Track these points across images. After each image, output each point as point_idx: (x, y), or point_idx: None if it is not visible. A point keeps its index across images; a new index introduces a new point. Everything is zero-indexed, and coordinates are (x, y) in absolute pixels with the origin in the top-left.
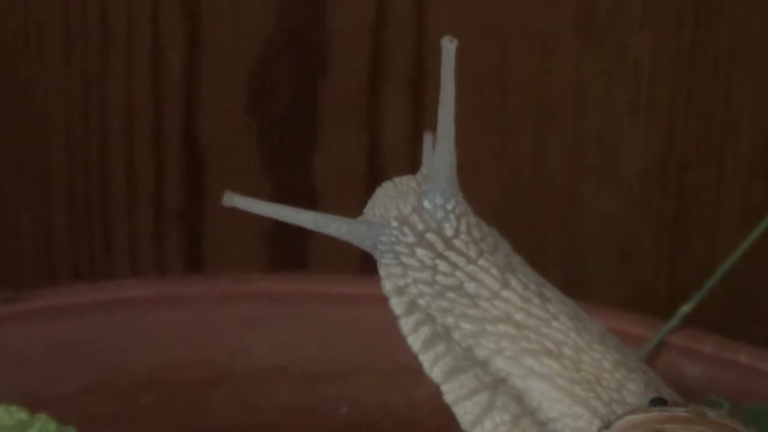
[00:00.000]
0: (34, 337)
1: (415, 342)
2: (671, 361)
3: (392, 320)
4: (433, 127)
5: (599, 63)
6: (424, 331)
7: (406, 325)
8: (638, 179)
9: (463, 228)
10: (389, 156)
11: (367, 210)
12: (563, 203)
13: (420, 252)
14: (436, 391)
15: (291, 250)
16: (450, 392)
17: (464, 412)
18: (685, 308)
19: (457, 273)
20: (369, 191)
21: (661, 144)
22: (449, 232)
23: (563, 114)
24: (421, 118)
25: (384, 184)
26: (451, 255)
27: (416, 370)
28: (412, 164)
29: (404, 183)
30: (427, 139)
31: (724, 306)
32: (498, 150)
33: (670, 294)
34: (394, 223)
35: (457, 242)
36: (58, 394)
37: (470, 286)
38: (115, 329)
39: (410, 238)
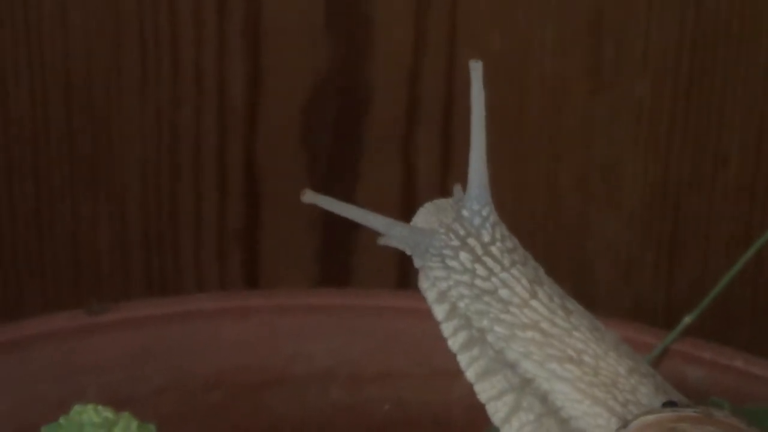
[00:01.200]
0: (115, 344)
1: (454, 344)
2: (675, 366)
3: (429, 330)
4: (461, 162)
5: (605, 103)
6: (462, 335)
7: (446, 329)
8: (639, 205)
9: (497, 236)
10: (422, 185)
11: (413, 224)
12: (573, 225)
13: (462, 255)
14: (467, 393)
15: (337, 266)
16: (482, 392)
17: (495, 410)
18: (687, 319)
19: (493, 278)
20: (404, 215)
21: (659, 174)
22: (486, 238)
23: (573, 148)
24: (450, 154)
25: (425, 205)
26: (488, 260)
27: (450, 374)
28: (441, 194)
29: (441, 203)
30: (457, 187)
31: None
32: (516, 179)
33: (666, 306)
34: (442, 230)
35: (493, 249)
36: (136, 395)
37: (503, 292)
38: (185, 337)
39: (455, 242)
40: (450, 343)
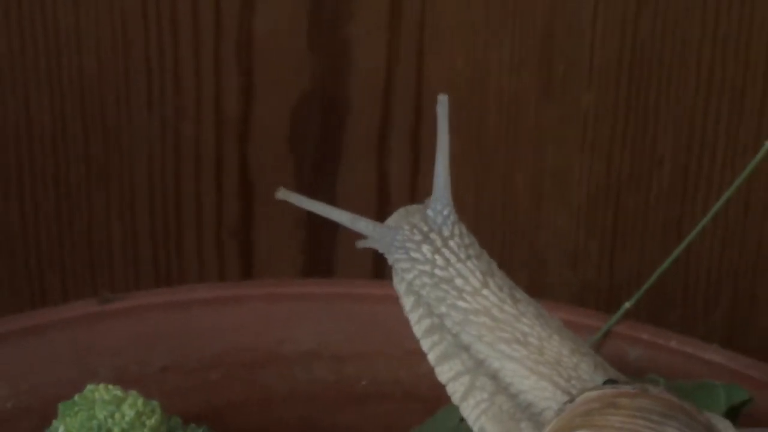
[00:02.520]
0: (124, 329)
1: (418, 331)
2: (616, 345)
3: (401, 315)
4: (429, 166)
5: (555, 113)
6: (425, 323)
7: (412, 318)
8: (585, 202)
9: (456, 232)
10: (394, 186)
11: (385, 224)
12: (527, 221)
13: (424, 247)
14: (433, 371)
15: (320, 259)
16: (441, 374)
17: (453, 390)
18: (627, 305)
19: (450, 268)
20: (378, 212)
21: (602, 174)
22: (446, 232)
23: (527, 152)
24: (418, 159)
25: (397, 211)
26: (446, 252)
27: (419, 354)
28: (411, 193)
29: (411, 207)
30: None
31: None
32: (476, 181)
33: (608, 290)
34: (407, 227)
35: (451, 243)
36: (143, 375)
37: (458, 281)
38: (187, 323)
39: (417, 237)
40: (415, 330)
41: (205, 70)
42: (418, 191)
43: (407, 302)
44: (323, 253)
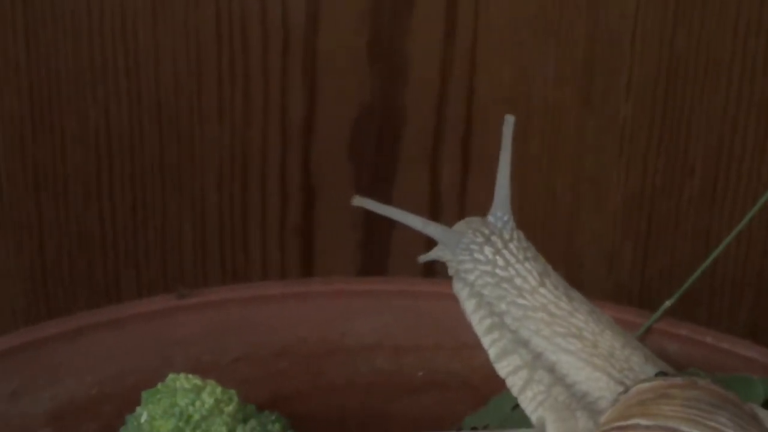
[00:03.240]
0: (199, 322)
1: (479, 330)
2: (656, 341)
3: (455, 310)
4: (479, 172)
5: (594, 124)
6: (486, 323)
7: (474, 319)
8: (620, 207)
9: (515, 236)
10: (445, 190)
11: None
12: (565, 224)
13: (486, 249)
14: (487, 362)
15: (375, 258)
16: (501, 369)
17: (512, 384)
18: (668, 303)
19: (510, 268)
20: (430, 216)
21: (638, 182)
22: (506, 236)
23: (567, 161)
24: (469, 165)
25: (460, 221)
26: (506, 253)
27: (473, 347)
28: (461, 198)
29: (473, 218)
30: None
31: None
32: (520, 188)
33: (641, 291)
34: (470, 231)
35: (511, 245)
36: (216, 364)
37: (518, 281)
38: (257, 316)
39: (480, 239)
40: (476, 329)
41: (272, 83)
42: (467, 196)
43: (469, 305)
44: (378, 253)
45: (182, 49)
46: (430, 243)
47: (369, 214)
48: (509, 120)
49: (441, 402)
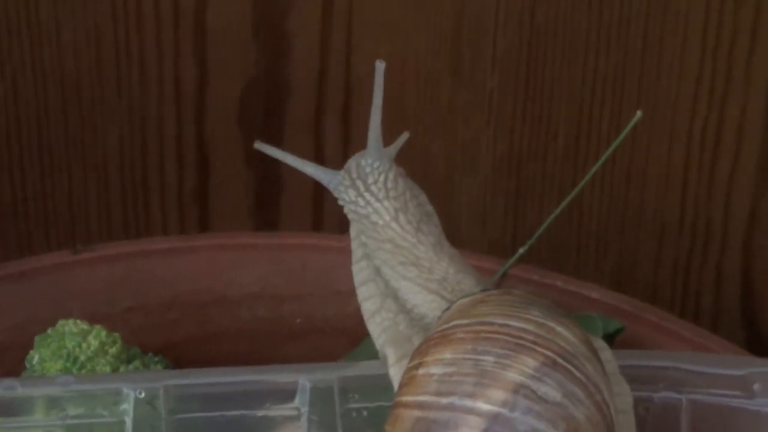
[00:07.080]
0: (93, 276)
1: (354, 258)
2: (510, 285)
3: (332, 261)
4: (358, 141)
5: (464, 93)
6: (358, 252)
7: (353, 246)
8: (491, 170)
9: (381, 180)
10: (328, 160)
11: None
12: (441, 186)
13: (350, 191)
14: (358, 310)
15: (266, 219)
16: (359, 295)
17: (365, 309)
18: (521, 250)
19: (368, 207)
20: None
21: (505, 146)
22: (370, 180)
23: (441, 128)
24: (349, 135)
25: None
26: (367, 195)
27: (347, 294)
28: (342, 161)
29: (358, 155)
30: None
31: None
32: (398, 154)
33: (512, 246)
34: (342, 172)
35: (373, 187)
36: (110, 314)
37: (374, 217)
38: (149, 269)
39: (347, 182)
40: (353, 258)
41: (166, 59)
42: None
43: (351, 234)
44: (270, 215)
45: (81, 25)
46: (316, 205)
47: (260, 180)
48: (380, 66)
49: (319, 346)
